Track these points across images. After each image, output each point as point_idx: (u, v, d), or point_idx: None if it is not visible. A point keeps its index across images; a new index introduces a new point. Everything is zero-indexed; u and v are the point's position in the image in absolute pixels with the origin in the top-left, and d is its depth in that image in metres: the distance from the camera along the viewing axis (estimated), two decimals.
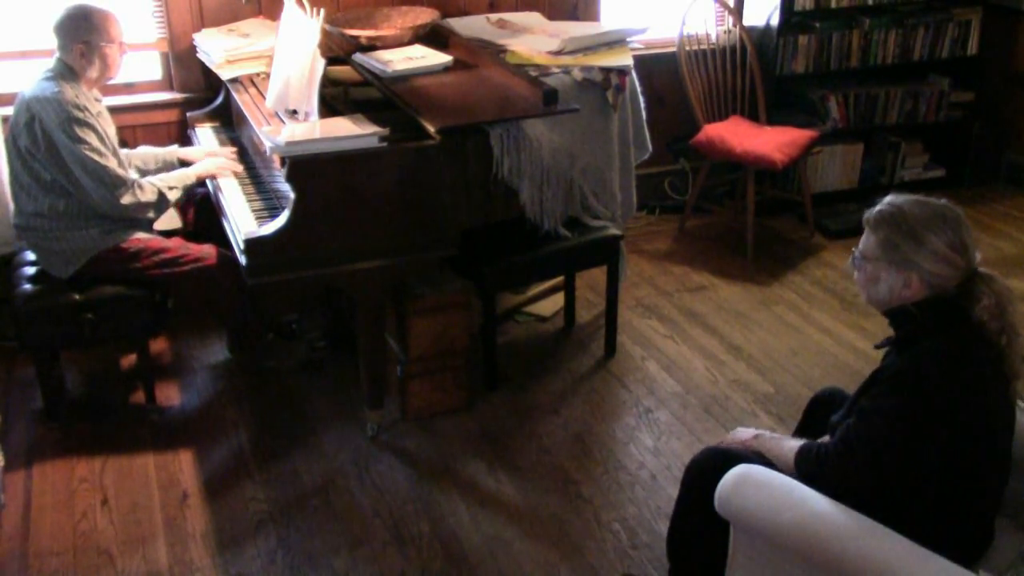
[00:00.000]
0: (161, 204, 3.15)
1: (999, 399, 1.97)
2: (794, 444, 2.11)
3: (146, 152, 3.43)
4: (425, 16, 3.68)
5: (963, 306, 1.95)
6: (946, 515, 1.95)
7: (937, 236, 1.94)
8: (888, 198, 2.04)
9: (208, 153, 3.51)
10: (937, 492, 1.94)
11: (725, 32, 4.67)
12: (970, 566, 1.97)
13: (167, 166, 3.44)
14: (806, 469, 2.02)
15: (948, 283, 1.96)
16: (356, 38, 3.49)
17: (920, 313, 1.97)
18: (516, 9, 4.20)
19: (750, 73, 4.60)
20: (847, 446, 1.95)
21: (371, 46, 3.46)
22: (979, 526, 2.01)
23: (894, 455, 1.91)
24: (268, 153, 2.87)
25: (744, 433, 2.28)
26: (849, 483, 1.93)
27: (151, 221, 3.23)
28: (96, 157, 2.98)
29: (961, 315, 1.95)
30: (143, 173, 3.35)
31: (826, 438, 2.11)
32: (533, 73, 3.27)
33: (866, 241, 2.04)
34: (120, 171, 3.03)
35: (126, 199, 3.03)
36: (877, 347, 2.17)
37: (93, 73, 3.09)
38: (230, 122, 3.76)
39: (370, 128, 2.85)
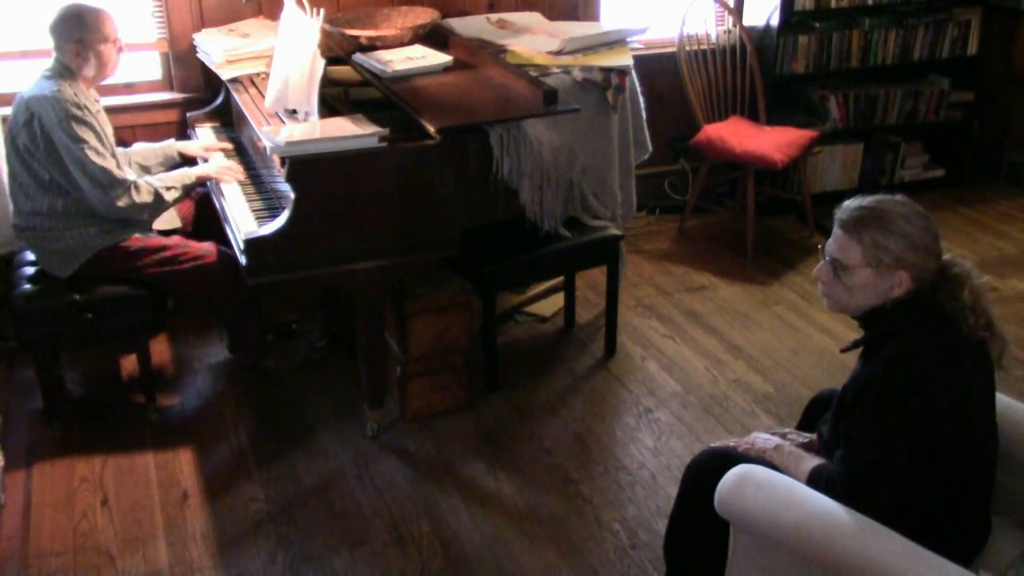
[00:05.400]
0: (158, 206, 3.13)
1: (984, 387, 1.97)
2: (809, 466, 2.04)
3: (144, 148, 3.43)
4: (425, 16, 3.68)
5: (939, 301, 1.95)
6: (945, 511, 1.95)
7: (914, 227, 1.93)
8: (855, 202, 2.00)
9: (205, 147, 3.50)
10: (935, 490, 1.94)
11: (725, 32, 4.67)
12: (971, 559, 1.97)
13: (167, 160, 3.44)
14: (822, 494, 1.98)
15: (929, 275, 1.95)
16: (356, 38, 3.49)
17: (896, 311, 1.96)
18: (516, 9, 4.20)
19: (750, 73, 4.60)
20: (853, 477, 1.91)
21: (371, 46, 3.47)
22: (976, 518, 2.01)
23: (902, 472, 1.90)
24: (268, 153, 2.87)
25: (764, 441, 2.18)
26: (866, 507, 1.89)
27: (149, 221, 3.23)
28: (95, 157, 2.97)
29: (938, 311, 1.94)
30: (144, 169, 3.35)
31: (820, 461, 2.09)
32: (533, 73, 3.27)
33: (846, 250, 1.97)
34: (118, 172, 3.02)
35: (122, 201, 3.01)
36: (843, 351, 2.15)
37: (90, 72, 3.08)
38: (230, 122, 3.76)
39: (370, 128, 2.85)
